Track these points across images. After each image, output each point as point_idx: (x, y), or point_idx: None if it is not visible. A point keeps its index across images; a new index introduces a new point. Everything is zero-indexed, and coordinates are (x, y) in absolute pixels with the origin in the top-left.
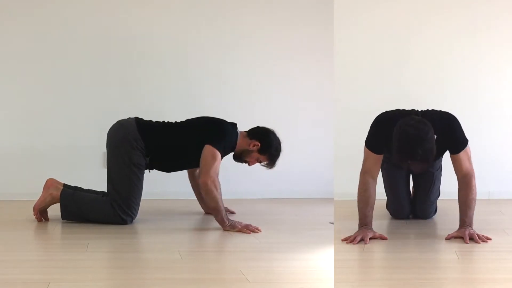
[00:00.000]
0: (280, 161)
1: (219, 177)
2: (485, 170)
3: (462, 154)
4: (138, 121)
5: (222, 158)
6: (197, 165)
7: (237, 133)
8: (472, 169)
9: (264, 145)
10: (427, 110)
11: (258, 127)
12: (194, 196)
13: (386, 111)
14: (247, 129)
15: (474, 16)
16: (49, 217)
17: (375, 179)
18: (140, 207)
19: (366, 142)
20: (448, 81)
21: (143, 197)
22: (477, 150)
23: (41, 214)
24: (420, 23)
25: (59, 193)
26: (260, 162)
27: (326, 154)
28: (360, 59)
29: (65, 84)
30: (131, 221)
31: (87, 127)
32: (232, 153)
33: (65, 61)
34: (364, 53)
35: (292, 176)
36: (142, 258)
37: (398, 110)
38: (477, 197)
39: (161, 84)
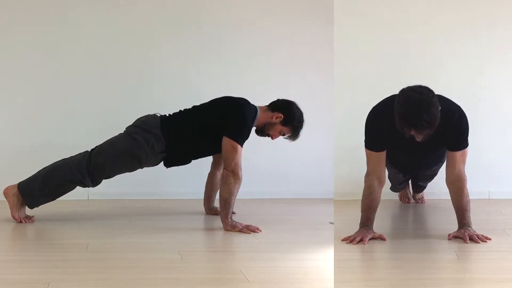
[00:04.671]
0: (280, 161)
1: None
2: (485, 170)
3: (459, 154)
4: (163, 119)
5: (243, 144)
6: (215, 151)
7: (256, 110)
8: (464, 173)
9: (287, 117)
10: (438, 95)
11: (279, 100)
12: (194, 196)
13: (376, 105)
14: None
15: (474, 15)
16: (44, 217)
17: (381, 181)
18: (140, 207)
19: (365, 143)
20: (448, 80)
21: (143, 197)
22: (477, 150)
23: (24, 217)
24: (421, 22)
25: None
26: (283, 135)
27: (326, 154)
28: (360, 58)
29: (65, 84)
30: (90, 186)
31: (87, 127)
32: (254, 129)
33: (65, 61)
34: (364, 52)
35: (292, 176)
36: (142, 258)
37: (388, 98)
38: (477, 197)
39: (160, 84)
